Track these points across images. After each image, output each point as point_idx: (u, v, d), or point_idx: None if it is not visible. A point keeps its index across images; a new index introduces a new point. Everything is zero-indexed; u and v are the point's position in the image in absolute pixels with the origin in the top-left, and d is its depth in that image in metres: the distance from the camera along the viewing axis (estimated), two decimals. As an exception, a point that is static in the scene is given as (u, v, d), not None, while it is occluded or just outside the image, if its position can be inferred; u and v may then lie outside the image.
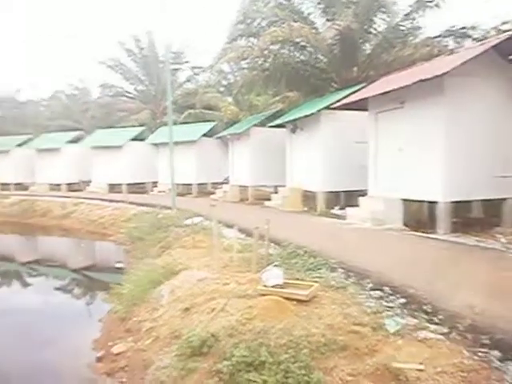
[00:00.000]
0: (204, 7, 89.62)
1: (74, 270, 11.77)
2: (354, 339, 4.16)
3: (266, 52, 15.39)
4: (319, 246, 7.29)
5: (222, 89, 27.63)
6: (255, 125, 17.63)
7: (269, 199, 15.72)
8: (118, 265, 10.37)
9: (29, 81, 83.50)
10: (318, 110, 12.82)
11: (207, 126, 22.45)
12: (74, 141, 26.62)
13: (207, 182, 22.94)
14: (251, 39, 16.31)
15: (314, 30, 15.18)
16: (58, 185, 25.84)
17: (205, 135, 21.90)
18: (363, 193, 11.29)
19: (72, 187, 25.63)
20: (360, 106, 11.07)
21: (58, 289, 10.35)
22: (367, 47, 16.80)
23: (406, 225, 9.66)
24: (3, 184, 27.88)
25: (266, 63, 16.24)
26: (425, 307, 4.55)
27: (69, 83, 38.01)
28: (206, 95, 25.53)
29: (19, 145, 28.61)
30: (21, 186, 27.80)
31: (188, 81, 31.23)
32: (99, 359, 5.48)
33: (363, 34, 15.40)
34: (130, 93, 31.51)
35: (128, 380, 4.90)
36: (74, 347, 6.21)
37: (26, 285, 11.18)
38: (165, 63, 27.92)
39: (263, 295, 5.20)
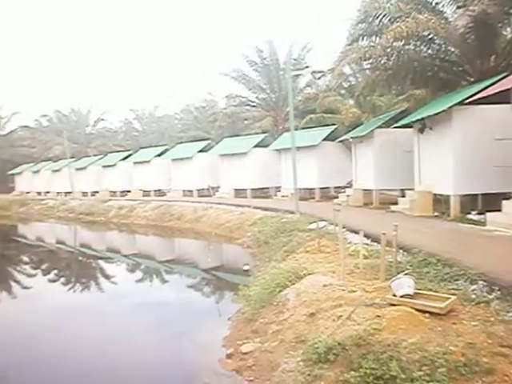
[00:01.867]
0: (324, 10, 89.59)
1: (205, 270, 12.58)
2: (501, 362, 3.70)
3: (389, 50, 14.69)
4: (455, 255, 6.68)
5: (342, 92, 27.13)
6: (379, 126, 16.95)
7: (395, 203, 14.95)
8: (245, 267, 10.78)
9: (163, 97, 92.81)
10: (450, 107, 11.80)
11: (328, 130, 22.26)
12: (204, 150, 28.63)
13: (329, 186, 22.75)
14: (373, 38, 15.73)
15: (443, 21, 14.05)
16: (190, 191, 28.06)
17: (326, 139, 21.74)
18: (507, 195, 10.04)
19: (202, 193, 27.61)
20: (501, 98, 9.89)
21: (190, 286, 11.16)
22: (508, 32, 14.97)
23: (563, 233, 8.34)
24: (145, 191, 31.28)
25: (389, 62, 15.50)
26: None
27: (198, 96, 41.11)
28: (327, 99, 25.34)
29: (158, 155, 31.83)
30: (159, 193, 30.87)
31: (308, 86, 31.41)
32: (229, 356, 5.74)
33: (503, 17, 13.73)
34: (252, 101, 32.80)
35: (255, 379, 5.04)
36: (206, 342, 6.63)
37: (163, 281, 12.31)
38: (286, 70, 28.54)
39: (392, 305, 4.94)
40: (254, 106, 32.37)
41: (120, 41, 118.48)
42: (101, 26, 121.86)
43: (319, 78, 28.05)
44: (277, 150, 23.73)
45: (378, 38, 15.28)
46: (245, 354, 5.61)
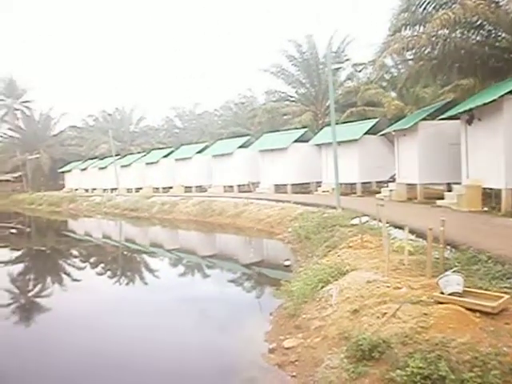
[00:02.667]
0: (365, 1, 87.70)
1: (245, 265, 12.65)
2: (562, 366, 3.49)
3: (434, 39, 14.16)
4: (507, 252, 6.37)
5: (384, 84, 26.48)
6: (423, 118, 16.40)
7: (440, 198, 14.43)
8: (286, 262, 10.75)
9: (203, 94, 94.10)
10: (501, 96, 11.21)
11: (369, 124, 21.80)
12: (244, 145, 28.78)
13: (371, 181, 22.31)
14: (416, 27, 15.21)
15: (492, 5, 13.36)
16: (231, 186, 28.33)
17: (368, 133, 21.31)
18: None
19: (242, 188, 27.79)
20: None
21: (231, 281, 11.23)
22: None
23: None
24: (186, 187, 31.87)
25: (434, 51, 14.93)
26: None
27: (238, 92, 41.33)
28: (368, 92, 24.79)
29: (198, 152, 32.30)
30: (200, 188, 31.36)
31: (349, 79, 30.86)
32: (271, 351, 5.76)
33: (559, -1, 12.93)
34: (292, 96, 32.62)
35: (298, 375, 5.03)
36: (248, 336, 6.68)
37: (204, 276, 12.47)
38: (325, 64, 28.13)
39: (440, 303, 4.78)
40: (293, 101, 32.18)
41: (161, 40, 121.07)
42: (143, 27, 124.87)
43: (360, 71, 27.58)
44: (317, 144, 23.49)
45: (421, 27, 14.77)
46: (287, 349, 5.61)
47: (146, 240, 19.77)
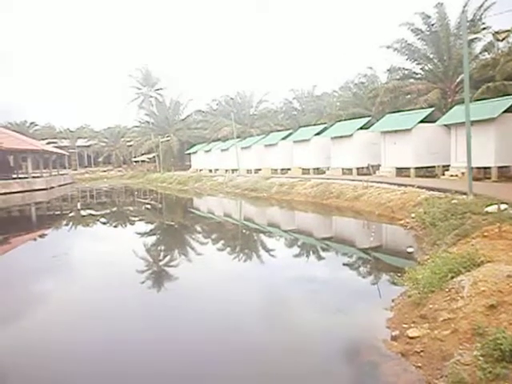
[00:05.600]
0: (507, -39, 77.29)
1: (363, 250, 12.29)
2: None
3: None
4: None
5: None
6: None
7: None
8: (408, 249, 10.21)
9: (322, 75, 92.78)
10: None
11: (510, 101, 19.32)
12: (364, 127, 27.78)
13: (510, 165, 19.91)
14: None
15: None
16: (349, 169, 27.69)
17: (508, 111, 18.94)
18: None
19: (361, 171, 26.97)
20: None
21: (347, 265, 10.98)
22: None
23: None
24: (304, 169, 31.98)
25: None
26: None
27: (357, 72, 39.88)
28: (510, 63, 21.91)
29: (317, 134, 32.08)
30: (318, 171, 31.22)
31: (485, 50, 27.57)
32: (393, 338, 5.55)
33: None
34: (417, 73, 30.41)
35: (424, 366, 4.79)
36: (367, 321, 6.53)
37: (319, 257, 12.39)
38: (458, 35, 25.55)
39: None
40: (418, 79, 29.96)
41: (280, 22, 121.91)
42: (261, 11, 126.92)
43: (502, 40, 24.37)
44: (446, 125, 21.64)
45: None
46: (411, 338, 5.36)
47: (264, 219, 20.39)
